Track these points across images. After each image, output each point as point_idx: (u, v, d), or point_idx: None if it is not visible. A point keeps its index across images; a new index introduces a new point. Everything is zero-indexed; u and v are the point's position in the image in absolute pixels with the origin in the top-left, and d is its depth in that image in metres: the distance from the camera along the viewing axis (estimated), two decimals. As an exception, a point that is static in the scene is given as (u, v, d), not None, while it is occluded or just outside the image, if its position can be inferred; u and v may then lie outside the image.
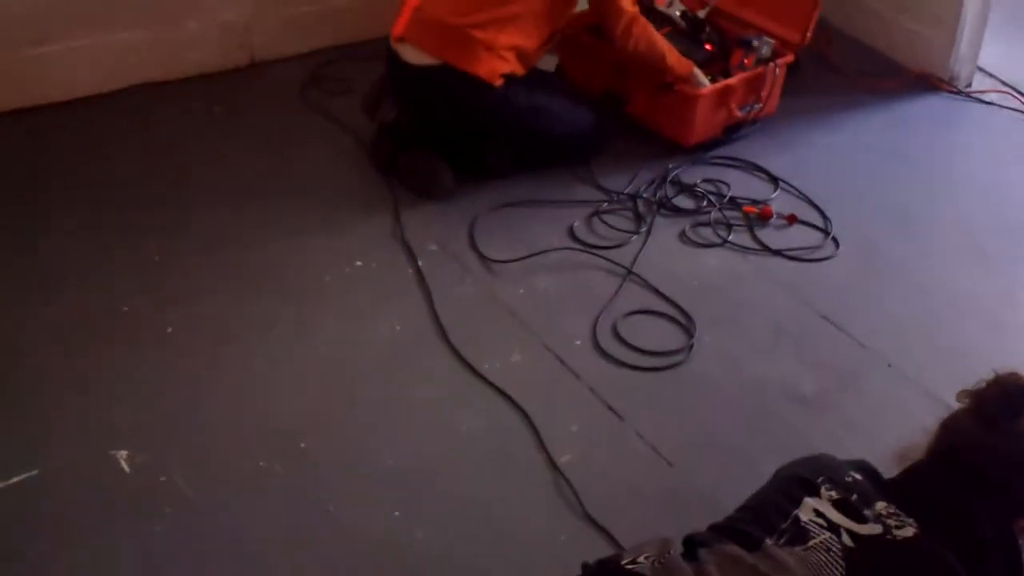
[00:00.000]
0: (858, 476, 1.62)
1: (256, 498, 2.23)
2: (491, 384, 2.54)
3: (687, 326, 2.76)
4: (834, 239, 3.13)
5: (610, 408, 2.50)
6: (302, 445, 2.35)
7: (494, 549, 2.16)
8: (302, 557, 2.11)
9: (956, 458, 1.62)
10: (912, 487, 1.59)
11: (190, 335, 2.64)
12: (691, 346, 2.70)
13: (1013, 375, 1.61)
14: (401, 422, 2.44)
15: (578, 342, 2.70)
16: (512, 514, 2.23)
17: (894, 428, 2.43)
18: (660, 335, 2.74)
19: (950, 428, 1.67)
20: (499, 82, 3.13)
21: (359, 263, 2.92)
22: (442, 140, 3.26)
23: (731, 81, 3.44)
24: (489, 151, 3.29)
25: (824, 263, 3.05)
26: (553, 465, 2.33)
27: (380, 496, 2.25)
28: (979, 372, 1.71)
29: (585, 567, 1.61)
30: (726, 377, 2.63)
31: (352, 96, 3.55)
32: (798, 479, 1.64)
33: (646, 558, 1.54)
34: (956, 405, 1.70)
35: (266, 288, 2.82)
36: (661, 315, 2.81)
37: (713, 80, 3.42)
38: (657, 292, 2.87)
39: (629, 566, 1.54)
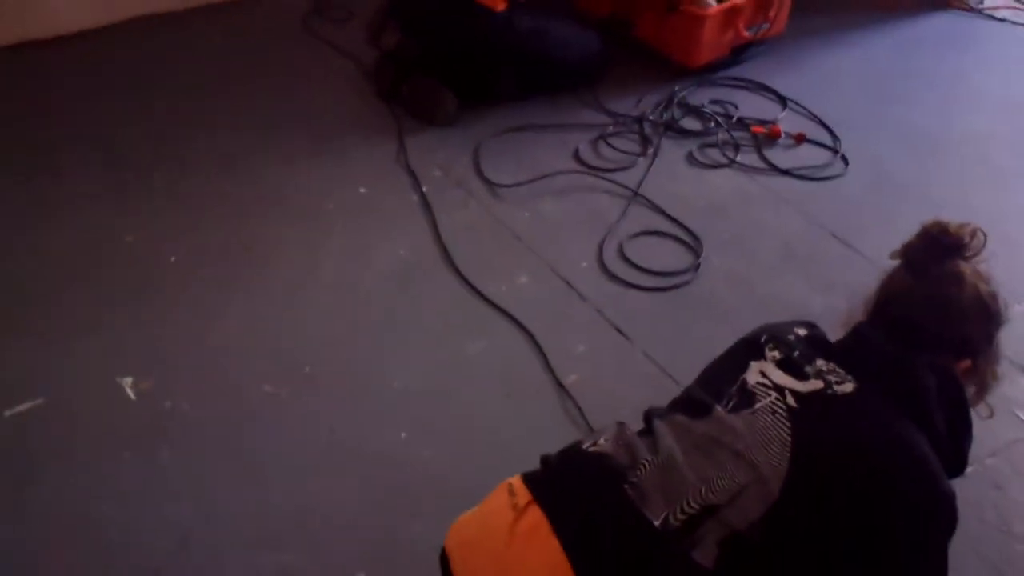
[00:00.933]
0: (801, 333, 1.64)
1: (261, 422, 2.22)
2: (497, 307, 2.52)
3: (694, 247, 2.73)
4: (843, 157, 3.09)
5: (617, 329, 2.48)
6: (307, 370, 2.34)
7: (500, 469, 2.13)
8: (308, 479, 2.11)
9: (890, 311, 1.64)
10: (852, 345, 1.61)
11: (194, 263, 2.63)
12: (698, 266, 2.67)
13: (937, 223, 1.62)
14: (407, 345, 2.43)
15: (584, 264, 2.68)
16: (518, 434, 2.22)
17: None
18: (667, 256, 2.72)
19: (884, 285, 1.68)
20: (502, 7, 3.08)
21: (363, 189, 2.90)
22: (445, 66, 3.22)
23: (738, 1, 3.38)
24: (493, 76, 3.25)
25: (833, 182, 3.01)
26: (559, 385, 2.32)
27: (387, 418, 2.24)
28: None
29: (544, 458, 1.62)
30: (734, 296, 2.61)
31: (355, 23, 3.53)
32: (744, 343, 1.68)
33: (606, 440, 1.56)
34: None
35: (270, 215, 2.80)
36: (668, 236, 2.78)
37: (720, 0, 3.37)
38: (664, 213, 2.84)
39: (591, 449, 1.56)
